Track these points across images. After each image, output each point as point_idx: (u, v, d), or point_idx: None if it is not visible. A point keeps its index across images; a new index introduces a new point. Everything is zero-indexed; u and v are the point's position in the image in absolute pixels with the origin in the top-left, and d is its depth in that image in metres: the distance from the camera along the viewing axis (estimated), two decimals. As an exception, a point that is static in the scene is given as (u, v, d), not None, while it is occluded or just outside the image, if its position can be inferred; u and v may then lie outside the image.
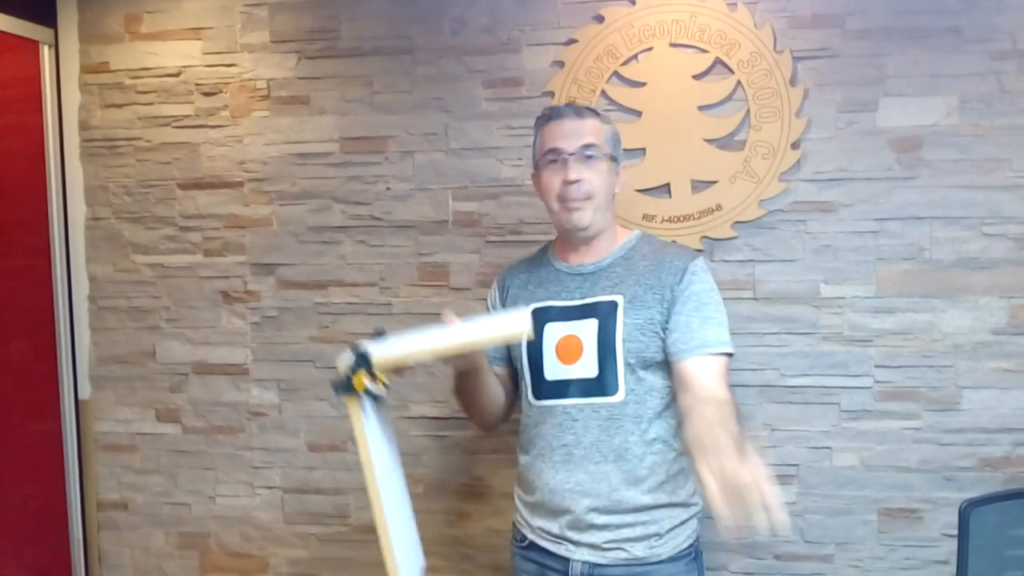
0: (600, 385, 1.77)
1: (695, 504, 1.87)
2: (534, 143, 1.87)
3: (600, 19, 2.34)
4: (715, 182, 2.31)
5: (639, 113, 2.34)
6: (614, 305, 1.78)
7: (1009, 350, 2.26)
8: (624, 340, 1.75)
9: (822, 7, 2.26)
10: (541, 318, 1.82)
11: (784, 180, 2.29)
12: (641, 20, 2.32)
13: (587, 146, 1.77)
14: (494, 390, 1.90)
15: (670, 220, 2.33)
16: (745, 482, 1.29)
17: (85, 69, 2.62)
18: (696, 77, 2.31)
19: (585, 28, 2.35)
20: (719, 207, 2.32)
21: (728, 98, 2.30)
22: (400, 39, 2.46)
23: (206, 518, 2.69)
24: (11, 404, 2.50)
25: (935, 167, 2.25)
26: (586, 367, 1.77)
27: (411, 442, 2.55)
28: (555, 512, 1.81)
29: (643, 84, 2.33)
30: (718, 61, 2.30)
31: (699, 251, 2.27)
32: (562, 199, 1.78)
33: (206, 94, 2.56)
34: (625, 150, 2.32)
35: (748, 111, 2.29)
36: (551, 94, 2.37)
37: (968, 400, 2.28)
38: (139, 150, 2.62)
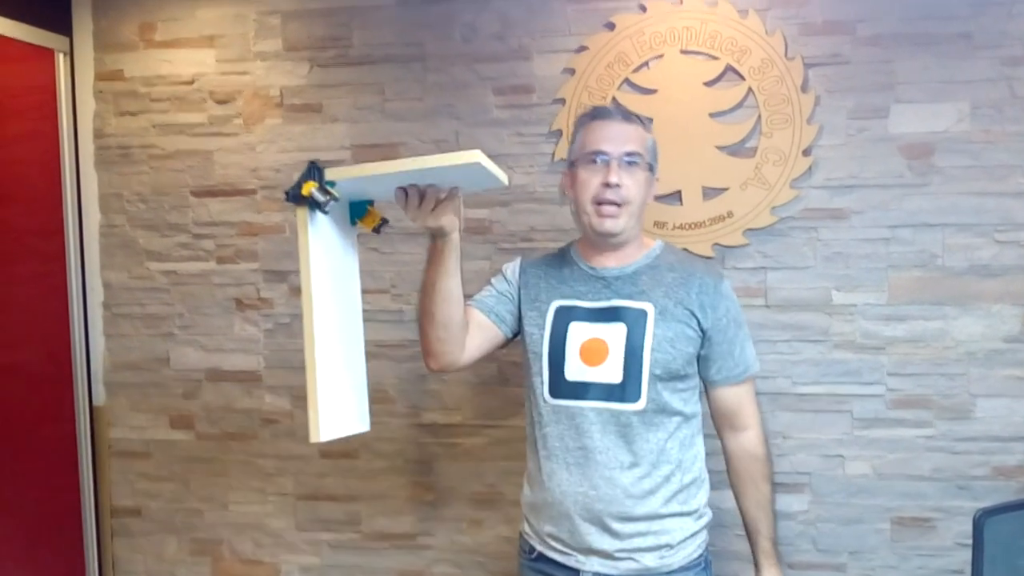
0: (622, 391, 1.76)
1: (706, 514, 1.86)
2: (573, 139, 1.85)
3: (611, 26, 2.35)
4: (726, 189, 2.31)
5: (650, 120, 2.33)
6: (643, 314, 1.77)
7: (1022, 358, 2.25)
8: (653, 350, 1.75)
9: (833, 14, 2.26)
10: (566, 317, 1.81)
11: (795, 187, 2.29)
12: (652, 27, 2.32)
13: (631, 153, 1.75)
14: (456, 293, 1.76)
15: (681, 227, 2.33)
16: None
17: (100, 77, 2.64)
18: (707, 84, 2.31)
19: (596, 35, 2.36)
20: (730, 214, 2.31)
21: (739, 105, 2.30)
22: (411, 47, 2.47)
23: (219, 525, 2.70)
24: (26, 410, 2.52)
25: (947, 174, 2.24)
26: (610, 372, 1.76)
27: (422, 449, 2.55)
28: (565, 515, 1.80)
29: (654, 91, 2.34)
30: (729, 68, 2.30)
31: (712, 259, 2.27)
32: (598, 201, 1.76)
33: (219, 102, 2.58)
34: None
35: (759, 118, 2.29)
36: (562, 101, 2.38)
37: (981, 408, 2.27)
38: (153, 158, 2.64)
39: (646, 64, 2.34)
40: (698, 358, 1.83)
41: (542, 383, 1.83)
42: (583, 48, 2.36)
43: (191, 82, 2.59)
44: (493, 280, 1.94)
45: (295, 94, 2.54)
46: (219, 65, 2.57)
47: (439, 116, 2.47)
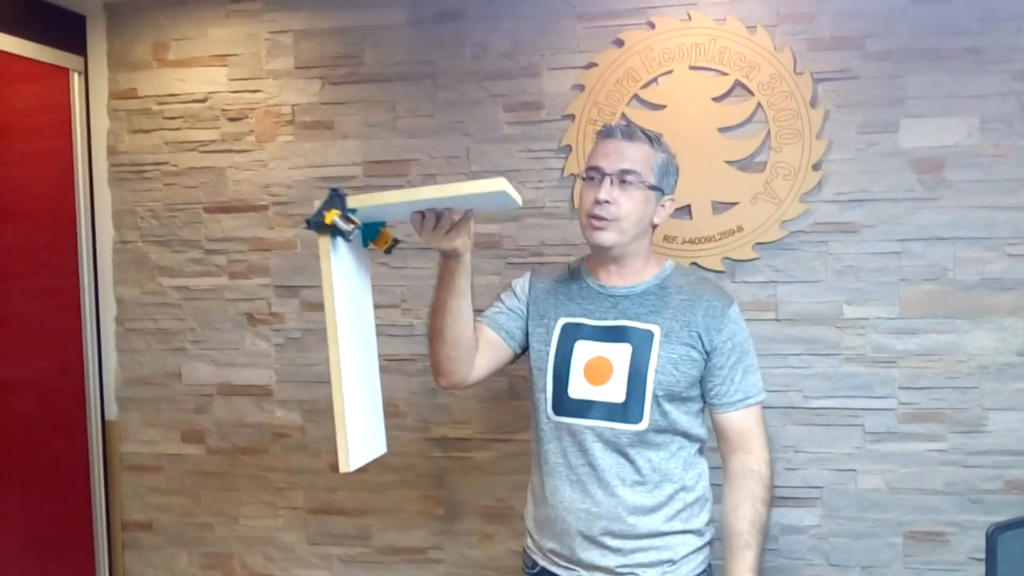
0: (625, 411, 1.75)
1: (710, 531, 1.86)
2: (593, 150, 1.87)
3: (620, 43, 2.36)
4: (736, 203, 2.32)
5: (659, 135, 2.34)
6: (650, 335, 1.76)
7: (1035, 371, 2.25)
8: (657, 372, 1.74)
9: (841, 29, 2.27)
10: (572, 334, 1.81)
11: (805, 201, 2.29)
12: (661, 44, 2.34)
13: (626, 171, 1.75)
14: (467, 313, 1.76)
15: (691, 242, 2.34)
16: None
17: (113, 95, 2.67)
18: (716, 99, 2.32)
19: (605, 52, 2.37)
20: (740, 228, 2.32)
21: (748, 120, 2.31)
22: (422, 64, 2.49)
23: (229, 539, 2.70)
24: (38, 424, 2.53)
25: (957, 188, 2.24)
26: (613, 391, 1.76)
27: (432, 463, 2.55)
28: (567, 531, 1.80)
29: (663, 107, 2.35)
30: (738, 83, 2.31)
31: (721, 274, 2.28)
32: (589, 215, 1.77)
33: (232, 119, 2.60)
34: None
35: (769, 133, 2.30)
36: (571, 117, 2.39)
37: (994, 422, 2.26)
38: (166, 174, 2.66)
39: (655, 80, 2.35)
40: (700, 380, 1.82)
41: (546, 400, 1.83)
42: (592, 65, 2.38)
43: (204, 100, 2.62)
44: (503, 296, 1.94)
45: (307, 111, 2.56)
46: (232, 83, 2.60)
47: (450, 133, 2.49)
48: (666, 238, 2.34)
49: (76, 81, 2.63)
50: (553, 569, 1.84)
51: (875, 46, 2.26)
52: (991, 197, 2.23)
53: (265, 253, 2.62)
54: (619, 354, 1.76)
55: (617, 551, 1.77)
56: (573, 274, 1.91)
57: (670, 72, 2.34)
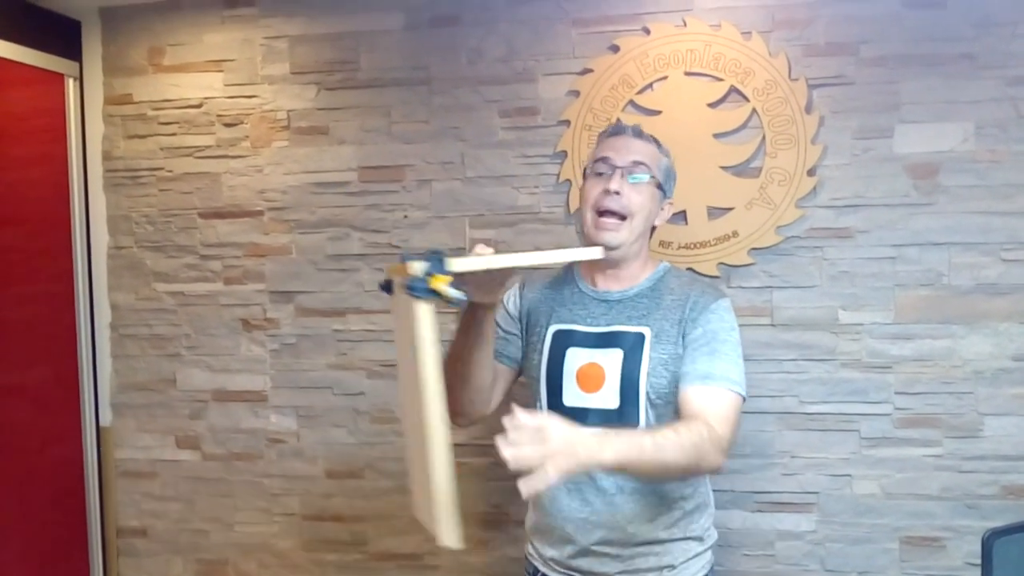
0: (620, 417, 1.71)
1: (711, 536, 1.85)
2: (591, 153, 1.84)
3: (615, 49, 2.36)
4: (731, 209, 2.32)
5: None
6: (641, 338, 1.73)
7: (1030, 377, 2.25)
8: (648, 375, 1.70)
9: (836, 35, 2.27)
10: (564, 342, 1.77)
11: (801, 207, 2.29)
12: (656, 49, 2.34)
13: (637, 163, 1.73)
14: (490, 357, 1.74)
15: (686, 247, 2.34)
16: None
17: (109, 101, 2.67)
18: (711, 105, 2.32)
19: (600, 58, 2.37)
20: (735, 234, 2.32)
21: (743, 126, 2.32)
22: (417, 70, 2.49)
23: (224, 545, 2.69)
24: (33, 430, 2.52)
25: (952, 193, 2.24)
26: (606, 398, 1.72)
27: (429, 469, 2.55)
28: (566, 540, 1.78)
29: (658, 112, 2.35)
30: (733, 89, 2.31)
31: (716, 279, 2.28)
32: (598, 209, 1.71)
33: (227, 125, 2.60)
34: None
35: (764, 138, 2.30)
36: (567, 123, 2.39)
37: (989, 427, 2.26)
38: (161, 180, 2.66)
39: (650, 86, 2.35)
40: None
41: (541, 408, 1.79)
42: (587, 70, 2.38)
43: (199, 105, 2.62)
44: (497, 318, 1.82)
45: (302, 117, 2.56)
46: (227, 89, 2.60)
47: (445, 138, 2.48)
48: (662, 243, 2.34)
49: (71, 86, 2.63)
50: None
51: (870, 52, 2.26)
52: (986, 202, 2.23)
53: (260, 259, 2.61)
54: (610, 360, 1.73)
55: (616, 558, 1.76)
56: (566, 279, 1.88)
57: (665, 78, 2.34)
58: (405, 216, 2.52)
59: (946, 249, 2.25)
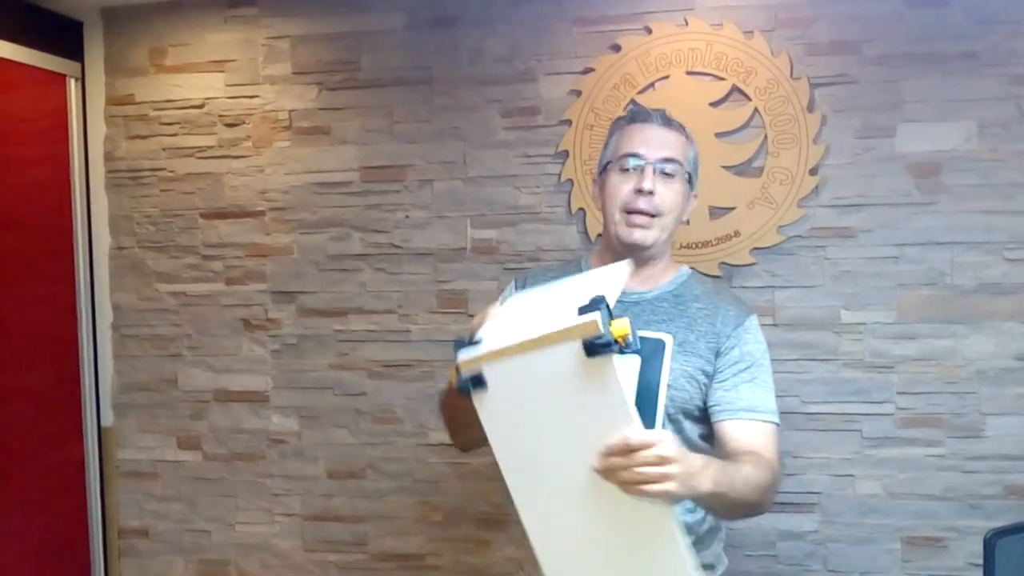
0: None
1: (722, 564, 1.72)
2: (606, 144, 1.67)
3: (616, 48, 2.36)
4: (733, 208, 2.32)
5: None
6: (661, 345, 1.57)
7: (1033, 376, 2.24)
8: (669, 386, 1.55)
9: (839, 34, 2.27)
10: None
11: (803, 206, 2.29)
12: (658, 49, 2.33)
13: (669, 160, 1.57)
14: None
15: (688, 247, 2.33)
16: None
17: (111, 101, 2.67)
18: (713, 104, 2.32)
19: (602, 57, 2.37)
20: (737, 233, 2.32)
21: (745, 125, 2.31)
22: (419, 70, 2.49)
23: (226, 545, 2.69)
24: (35, 431, 2.52)
25: (954, 192, 2.24)
26: None
27: (430, 469, 2.55)
28: None
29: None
30: (735, 88, 2.31)
31: (718, 278, 2.27)
32: (628, 209, 1.57)
33: (229, 125, 2.60)
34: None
35: (766, 138, 2.30)
36: (568, 123, 2.39)
37: (992, 427, 2.25)
38: (163, 180, 2.66)
39: (652, 85, 2.35)
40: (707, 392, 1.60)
41: None
42: (589, 70, 2.38)
43: (201, 106, 2.62)
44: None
45: (304, 117, 2.56)
46: (228, 89, 2.60)
47: (446, 138, 2.48)
48: (663, 243, 2.34)
49: (73, 87, 2.63)
50: None
51: (872, 51, 2.26)
52: (989, 201, 2.22)
53: (262, 259, 2.61)
54: (627, 366, 1.55)
55: None
56: (572, 275, 1.68)
57: (667, 77, 2.34)
58: (407, 216, 2.51)
59: (949, 249, 2.25)
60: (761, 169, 2.31)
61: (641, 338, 1.54)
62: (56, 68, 2.57)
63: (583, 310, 1.19)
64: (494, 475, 2.52)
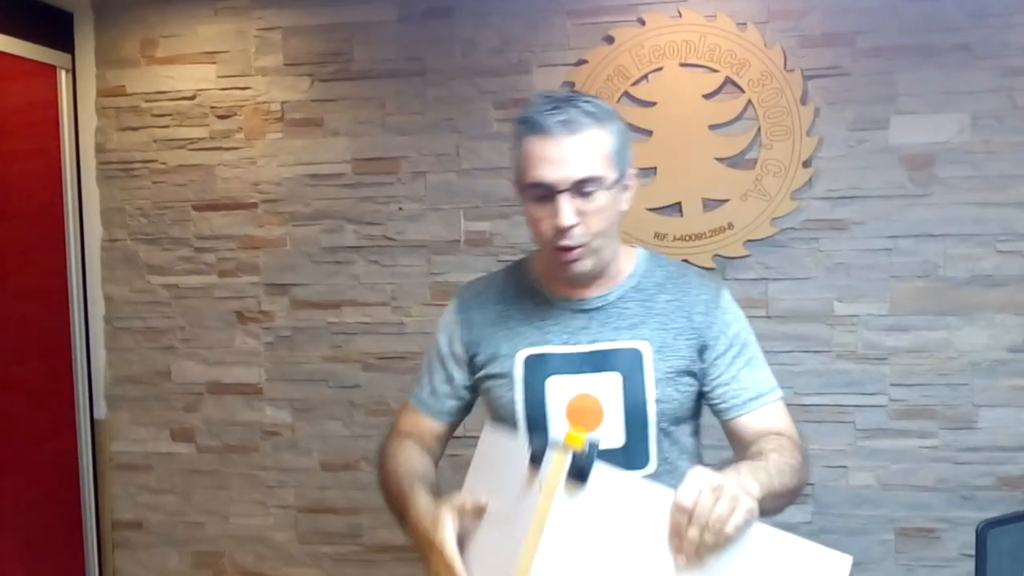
0: (627, 457, 1.38)
1: None
2: (514, 151, 1.37)
3: (610, 40, 2.36)
4: (726, 201, 2.32)
5: (650, 132, 2.34)
6: (638, 356, 1.40)
7: (1025, 368, 2.25)
8: (658, 401, 1.39)
9: (832, 26, 2.27)
10: (540, 370, 1.42)
11: (796, 198, 2.29)
12: (651, 40, 2.33)
13: (583, 181, 1.31)
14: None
15: (682, 239, 2.33)
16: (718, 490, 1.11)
17: (101, 93, 2.65)
18: (706, 96, 2.32)
19: (595, 49, 2.36)
20: (731, 225, 2.32)
21: (739, 117, 2.31)
22: (412, 61, 2.48)
23: (220, 537, 2.69)
24: (27, 423, 2.52)
25: (948, 184, 2.24)
26: (609, 436, 1.38)
27: (424, 462, 2.55)
28: None
29: (653, 104, 2.34)
30: (728, 80, 2.30)
31: (712, 270, 2.25)
32: (554, 247, 1.36)
33: (221, 117, 2.59)
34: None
35: (759, 130, 2.29)
36: (562, 114, 2.38)
37: (985, 418, 2.26)
38: (155, 172, 2.64)
39: (645, 77, 2.34)
40: (703, 391, 1.46)
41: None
42: (582, 62, 2.37)
43: (192, 97, 2.60)
44: (431, 363, 1.54)
45: (296, 109, 2.55)
46: (220, 80, 2.58)
47: (439, 130, 2.47)
48: (657, 235, 2.34)
49: (64, 78, 2.62)
50: None
51: (866, 43, 2.26)
52: (982, 194, 2.23)
53: (255, 251, 2.61)
54: (608, 387, 1.40)
55: None
56: (520, 285, 1.50)
57: (660, 69, 2.33)
58: (400, 208, 2.51)
59: (941, 240, 2.25)
60: (754, 161, 2.30)
61: (613, 350, 1.40)
62: (46, 59, 2.55)
63: None
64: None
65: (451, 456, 2.52)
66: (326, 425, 2.60)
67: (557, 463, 1.18)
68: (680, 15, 2.32)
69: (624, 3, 2.35)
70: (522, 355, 1.43)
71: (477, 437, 2.36)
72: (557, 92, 1.43)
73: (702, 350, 1.42)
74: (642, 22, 2.34)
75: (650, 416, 1.40)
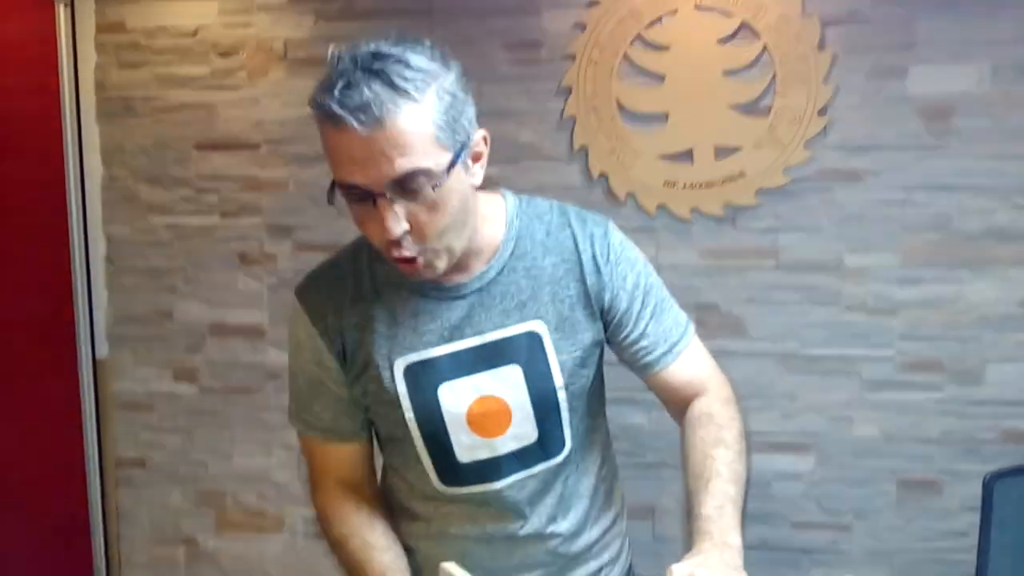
0: (543, 448, 1.27)
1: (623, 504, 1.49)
2: (323, 140, 1.10)
3: (624, -20, 2.29)
4: (739, 148, 2.27)
5: (662, 78, 2.29)
6: (536, 339, 1.22)
7: (1035, 322, 2.23)
8: (567, 386, 1.24)
9: (853, -31, 2.20)
10: (427, 379, 1.21)
11: (810, 147, 2.25)
12: (666, -19, 2.27)
13: (405, 179, 1.05)
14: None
15: (692, 187, 2.30)
16: None
17: (101, 29, 2.58)
18: (721, 41, 2.26)
19: (608, -11, 2.30)
20: (743, 174, 2.28)
21: (754, 63, 2.25)
22: (418, 0, 2.41)
23: (223, 476, 2.70)
24: (29, 363, 2.51)
25: (965, 136, 2.20)
26: (521, 434, 1.24)
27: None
28: None
29: (667, 48, 2.28)
30: (744, 25, 2.24)
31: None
32: (389, 254, 1.12)
33: (222, 55, 2.53)
34: (647, 115, 2.30)
35: (774, 76, 2.24)
36: (572, 57, 2.33)
37: (993, 372, 2.25)
38: (155, 110, 2.59)
39: (659, 20, 2.28)
40: (605, 343, 1.32)
41: (427, 470, 1.27)
42: (594, 3, 2.31)
43: (194, 34, 2.54)
44: (310, 389, 1.28)
45: (299, 47, 2.49)
46: (222, 17, 2.52)
47: (447, 71, 2.42)
48: (667, 183, 2.30)
49: (62, 13, 2.54)
50: None
51: (886, -12, 2.20)
52: (999, 146, 2.19)
53: (257, 192, 2.57)
54: (509, 383, 1.22)
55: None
56: (375, 276, 1.24)
57: (675, 12, 2.27)
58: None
59: (956, 193, 2.22)
60: (769, 108, 2.26)
61: (507, 338, 1.22)
62: (44, -8, 2.49)
63: None
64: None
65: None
66: None
67: None
68: (696, -45, 2.25)
69: (639, -58, 2.28)
70: (400, 365, 1.21)
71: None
72: (360, 49, 1.09)
73: (603, 312, 1.26)
74: (657, -38, 2.27)
75: (561, 403, 1.25)
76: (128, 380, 2.72)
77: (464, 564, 1.21)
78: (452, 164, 1.08)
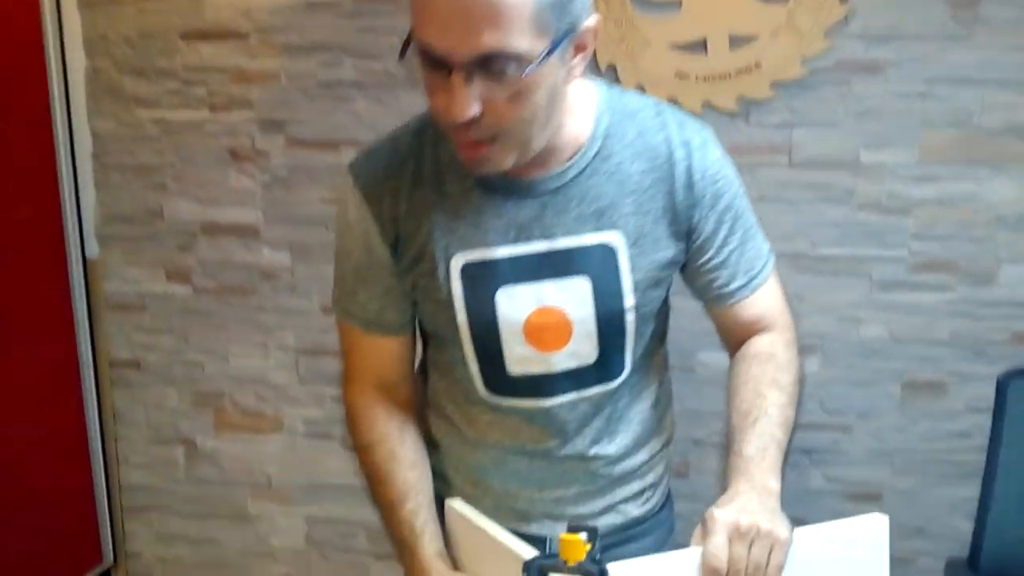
0: (601, 371, 1.19)
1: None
2: None
3: None
4: (755, 38, 2.16)
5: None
6: (611, 253, 1.12)
7: (1053, 223, 2.18)
8: (637, 307, 1.15)
9: None
10: (485, 281, 1.13)
11: (830, 37, 2.14)
12: None
13: (488, 59, 0.93)
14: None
15: (705, 79, 2.20)
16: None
17: (77, -96, 2.43)
18: (739, -80, 2.13)
19: None
20: (758, 65, 2.17)
21: (773, -56, 2.13)
22: None
23: (219, 377, 2.67)
24: (17, 264, 2.44)
25: (992, 25, 2.09)
26: (579, 353, 1.17)
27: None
28: (525, 516, 1.29)
29: (681, -72, 2.16)
30: (764, -98, 2.11)
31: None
32: (453, 136, 1.03)
33: (208, -66, 2.39)
34: (659, 3, 2.18)
35: (794, -41, 2.12)
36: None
37: (1006, 273, 2.21)
38: (138, -4, 2.46)
39: None
40: (684, 268, 1.23)
41: (474, 376, 1.20)
42: None
43: (176, -89, 2.39)
44: (357, 274, 1.21)
45: (290, -74, 2.35)
46: None
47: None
48: (678, 74, 2.20)
49: None
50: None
51: None
52: (1028, 37, 2.09)
53: (247, 85, 2.45)
54: (574, 297, 1.13)
55: (590, 505, 1.31)
56: (439, 159, 1.13)
57: None
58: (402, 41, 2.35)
59: (980, 86, 2.12)
60: (787, -6, 2.14)
61: (578, 248, 1.11)
62: None
63: None
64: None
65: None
66: (326, 268, 2.48)
67: None
68: None
69: None
70: (458, 262, 1.12)
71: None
72: None
73: (688, 234, 1.17)
74: None
75: (628, 327, 1.16)
76: (119, 280, 2.66)
77: (498, 472, 1.21)
78: (549, 52, 0.94)
